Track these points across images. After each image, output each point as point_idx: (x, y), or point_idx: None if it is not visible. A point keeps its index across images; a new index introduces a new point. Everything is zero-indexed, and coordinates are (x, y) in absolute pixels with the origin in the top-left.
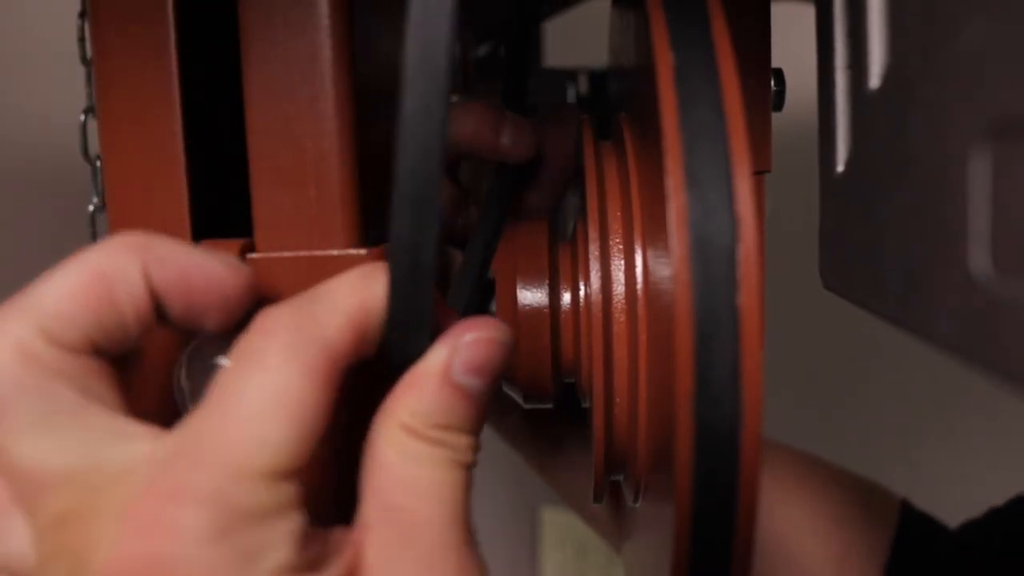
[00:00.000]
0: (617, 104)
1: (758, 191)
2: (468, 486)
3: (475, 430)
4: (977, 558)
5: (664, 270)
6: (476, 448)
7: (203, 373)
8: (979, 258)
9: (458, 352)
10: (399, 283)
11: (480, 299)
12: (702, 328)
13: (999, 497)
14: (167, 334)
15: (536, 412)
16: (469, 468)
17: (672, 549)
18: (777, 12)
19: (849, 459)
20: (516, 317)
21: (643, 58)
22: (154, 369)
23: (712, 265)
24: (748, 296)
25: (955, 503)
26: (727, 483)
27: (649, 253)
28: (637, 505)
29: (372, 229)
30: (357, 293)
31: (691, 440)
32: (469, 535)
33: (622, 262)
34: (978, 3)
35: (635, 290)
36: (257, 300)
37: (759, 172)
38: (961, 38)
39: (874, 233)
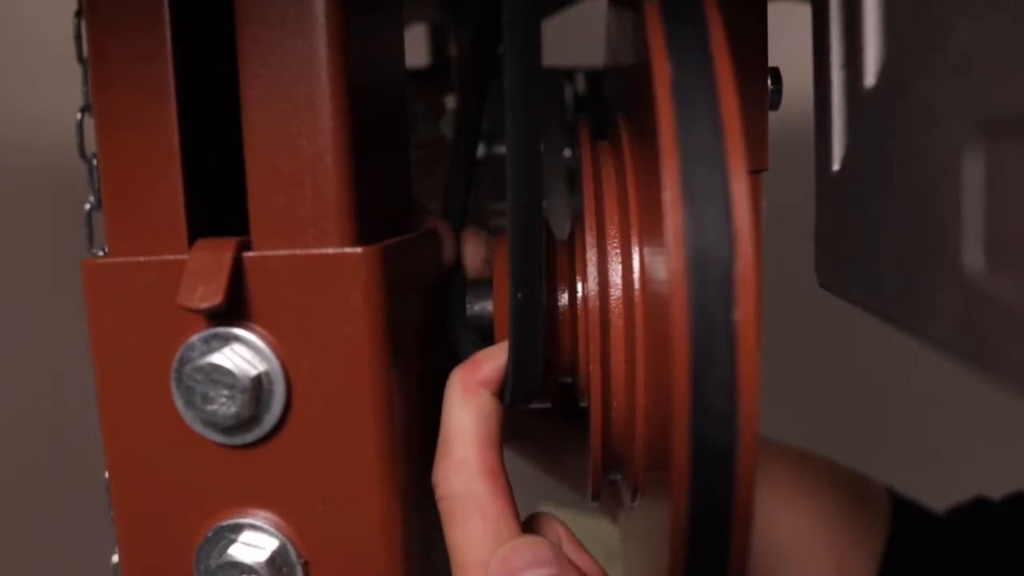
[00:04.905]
0: (614, 103)
1: (755, 190)
2: None
3: None
4: (969, 550)
5: (661, 274)
6: None
7: (195, 372)
8: (972, 257)
9: None
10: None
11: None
12: (698, 345)
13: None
14: (158, 336)
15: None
16: None
17: (668, 564)
18: (773, 11)
19: (843, 457)
20: None
21: (640, 62)
22: (149, 364)
23: (709, 282)
24: (745, 314)
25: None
26: (723, 500)
27: (646, 257)
28: (635, 504)
29: (367, 228)
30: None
31: (687, 457)
32: None
33: (619, 265)
34: (967, 3)
35: (632, 293)
36: None
37: (756, 171)
38: (953, 38)
39: (869, 231)
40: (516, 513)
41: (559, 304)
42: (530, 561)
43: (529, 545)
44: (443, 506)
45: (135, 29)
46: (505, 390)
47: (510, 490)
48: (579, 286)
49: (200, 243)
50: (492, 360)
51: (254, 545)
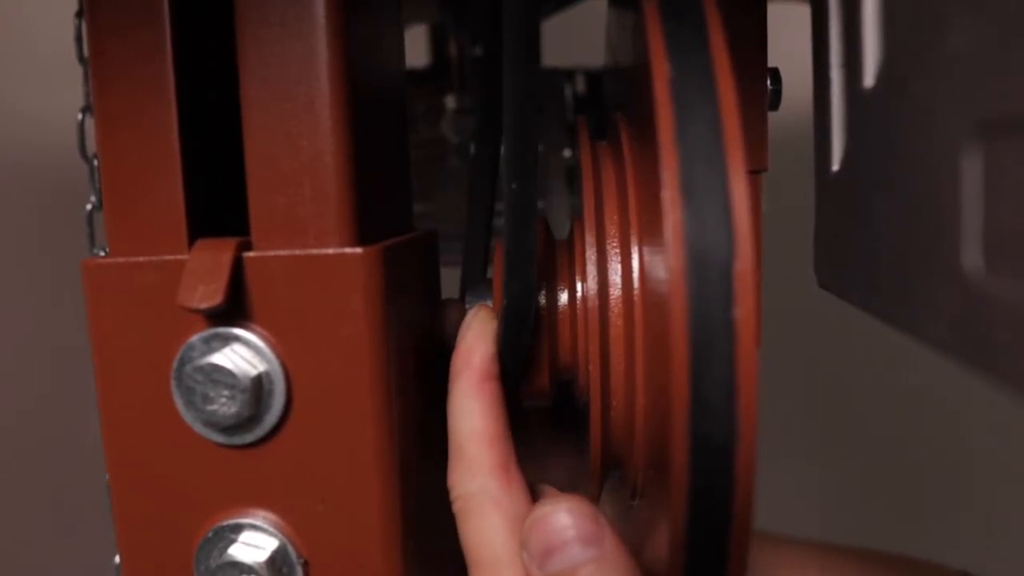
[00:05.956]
0: (614, 103)
1: (755, 190)
2: None
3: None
4: None
5: (660, 273)
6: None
7: (195, 372)
8: (971, 257)
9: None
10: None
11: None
12: (698, 343)
13: (999, 497)
14: (158, 336)
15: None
16: None
17: (668, 561)
18: (773, 11)
19: (843, 456)
20: None
21: (640, 62)
22: (149, 364)
23: (708, 280)
24: (744, 312)
25: (957, 502)
26: (722, 498)
27: (646, 256)
28: (635, 503)
29: (367, 228)
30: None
31: (686, 455)
32: None
33: (619, 265)
34: (966, 3)
35: (631, 292)
36: None
37: (756, 171)
38: (951, 37)
39: (868, 231)
40: (532, 506)
41: (559, 303)
42: (571, 533)
43: (570, 511)
44: (458, 506)
45: (135, 29)
46: (500, 356)
47: (525, 484)
48: (579, 285)
49: (200, 243)
50: (480, 344)
51: (254, 545)
